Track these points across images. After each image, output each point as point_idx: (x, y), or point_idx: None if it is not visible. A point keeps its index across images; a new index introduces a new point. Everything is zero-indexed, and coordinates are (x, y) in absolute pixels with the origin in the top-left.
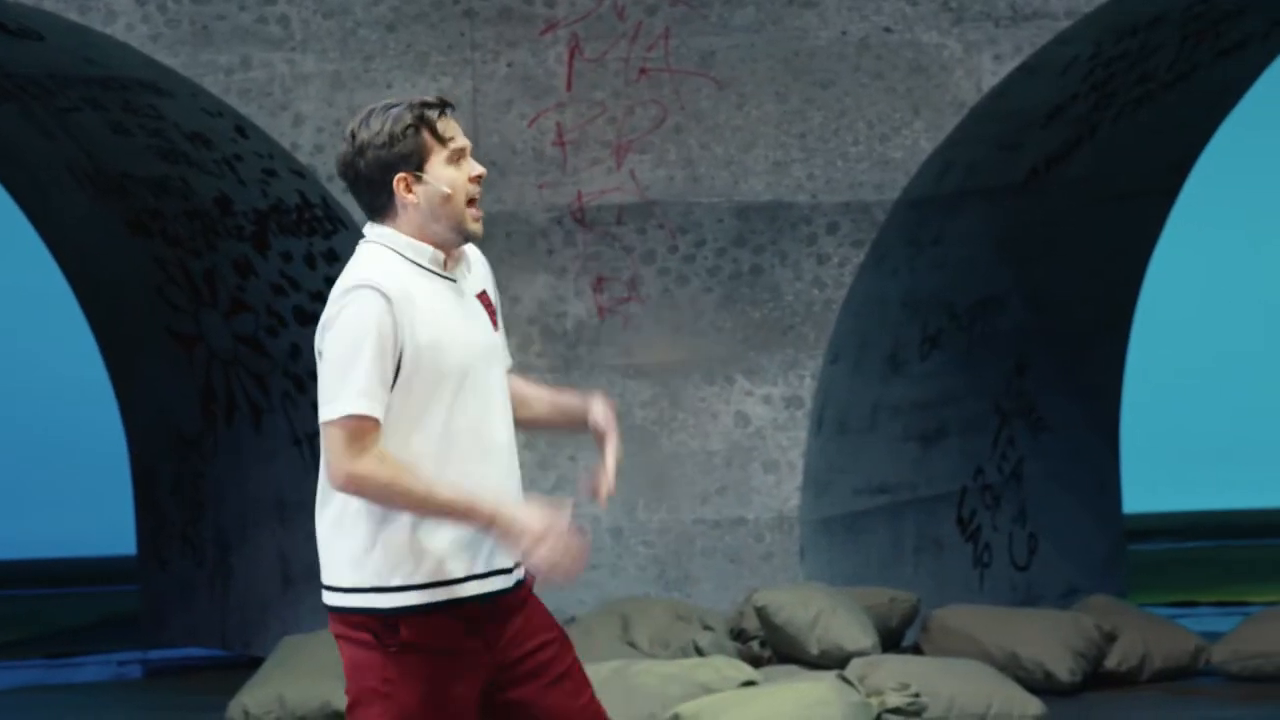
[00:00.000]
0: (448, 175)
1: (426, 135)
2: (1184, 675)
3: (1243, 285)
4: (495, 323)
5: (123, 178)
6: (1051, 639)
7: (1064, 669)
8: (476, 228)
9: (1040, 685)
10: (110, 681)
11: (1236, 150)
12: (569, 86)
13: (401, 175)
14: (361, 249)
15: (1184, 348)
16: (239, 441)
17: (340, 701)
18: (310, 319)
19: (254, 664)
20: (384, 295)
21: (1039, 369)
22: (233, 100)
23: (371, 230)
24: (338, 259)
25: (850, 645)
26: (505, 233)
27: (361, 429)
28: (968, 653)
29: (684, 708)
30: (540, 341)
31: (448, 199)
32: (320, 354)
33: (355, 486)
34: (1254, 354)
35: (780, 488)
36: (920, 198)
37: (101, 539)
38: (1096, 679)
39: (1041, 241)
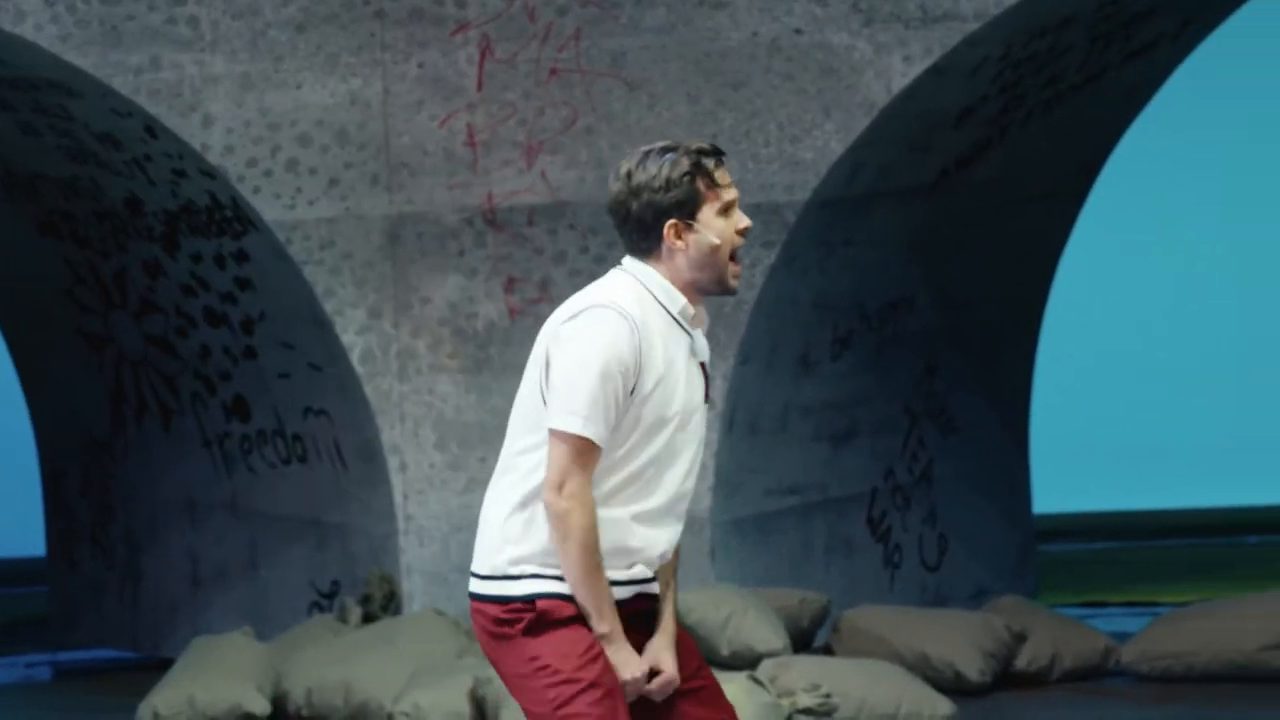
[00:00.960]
0: (718, 226)
1: (702, 184)
2: (1094, 675)
3: (1151, 287)
4: (708, 393)
5: (33, 179)
6: (961, 639)
7: (974, 669)
8: (735, 284)
9: (950, 685)
10: (19, 684)
11: (1146, 151)
12: (480, 87)
13: (673, 222)
14: (614, 274)
15: (1093, 349)
16: (149, 443)
17: (252, 703)
18: (220, 320)
19: (164, 665)
20: (627, 319)
21: (949, 370)
22: (142, 101)
23: (630, 263)
24: (248, 259)
25: (761, 646)
26: (416, 233)
27: (582, 451)
28: (878, 653)
29: None
30: (451, 342)
31: (715, 250)
32: (549, 363)
33: (554, 509)
34: (1163, 355)
35: None
36: (831, 199)
37: (10, 540)
38: (1006, 679)
39: (952, 242)
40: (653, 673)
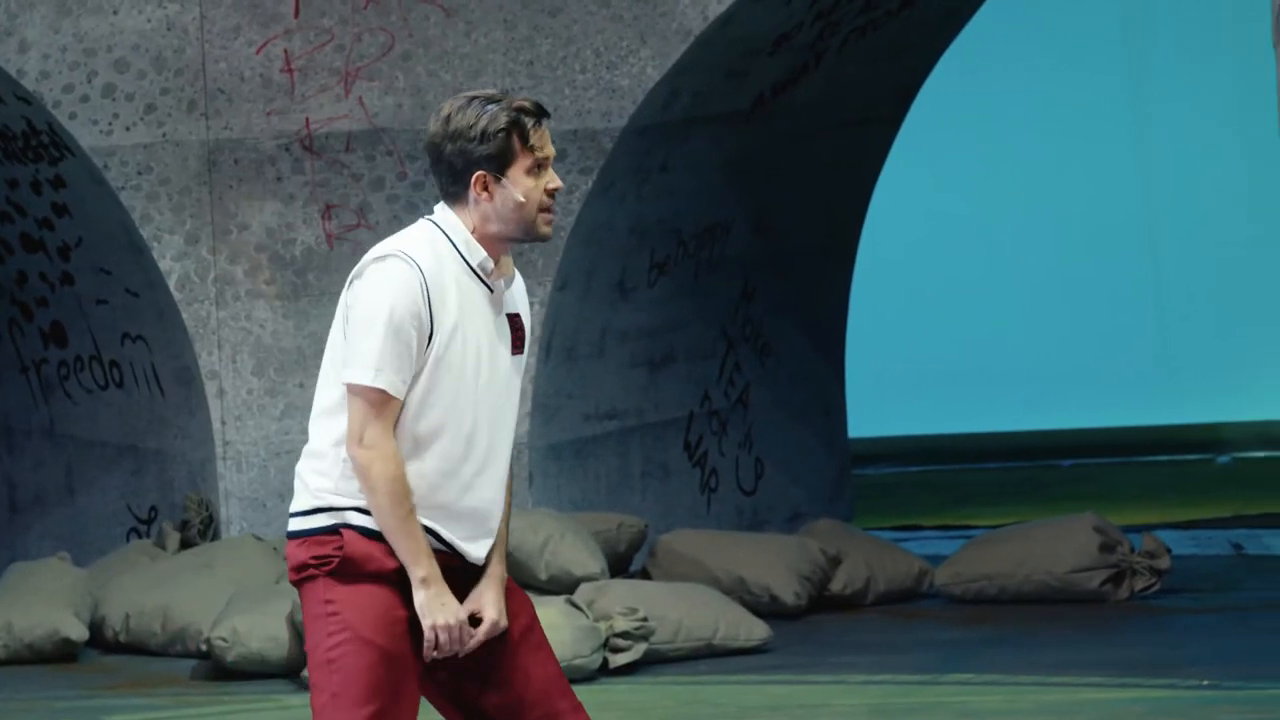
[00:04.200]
0: (525, 184)
1: (516, 141)
2: (908, 598)
3: (965, 213)
4: (520, 347)
5: None
6: (777, 563)
7: (789, 592)
8: (546, 230)
9: (766, 608)
10: None
11: (960, 78)
12: (296, 14)
13: (481, 174)
14: (419, 224)
15: (908, 275)
16: None
17: (69, 629)
18: (37, 245)
19: None
20: (413, 267)
21: (766, 295)
22: None
23: (439, 211)
24: (64, 185)
25: (579, 570)
26: (233, 159)
27: (377, 403)
28: (695, 577)
29: None
30: (269, 268)
31: (520, 207)
32: (348, 318)
33: (357, 462)
34: (976, 281)
35: None
36: (647, 125)
37: None
38: (822, 602)
39: (768, 168)
40: (474, 619)
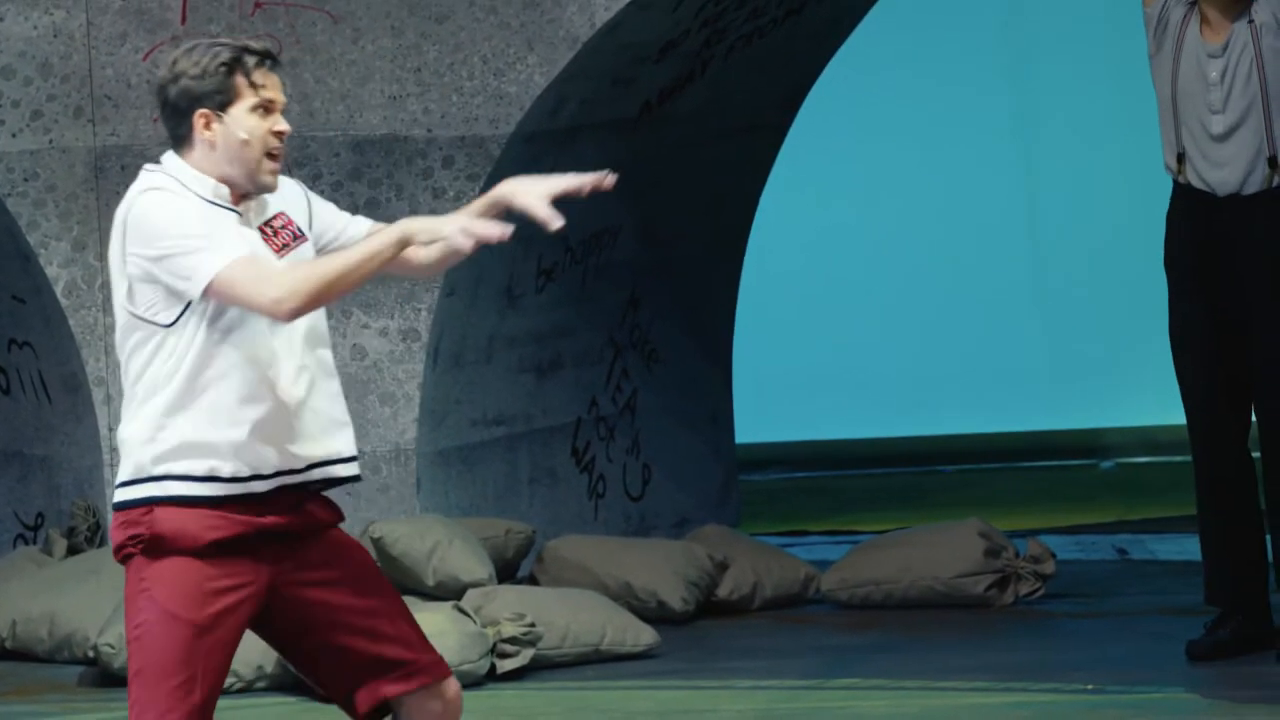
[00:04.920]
0: (249, 123)
1: (239, 78)
2: (795, 603)
3: (851, 220)
4: (279, 246)
5: None
6: (664, 568)
7: (677, 598)
8: (270, 180)
9: (653, 614)
10: None
11: (845, 87)
12: (184, 20)
13: (203, 111)
14: (141, 176)
15: (795, 281)
16: None
17: None
18: None
19: None
20: (197, 198)
21: (653, 302)
22: None
23: (166, 160)
24: None
25: (466, 576)
26: (120, 166)
27: (248, 262)
28: (582, 583)
29: None
30: None
31: (244, 145)
32: (149, 259)
33: (294, 304)
34: (862, 286)
35: (397, 420)
36: (535, 132)
37: None
38: (709, 607)
39: (655, 175)
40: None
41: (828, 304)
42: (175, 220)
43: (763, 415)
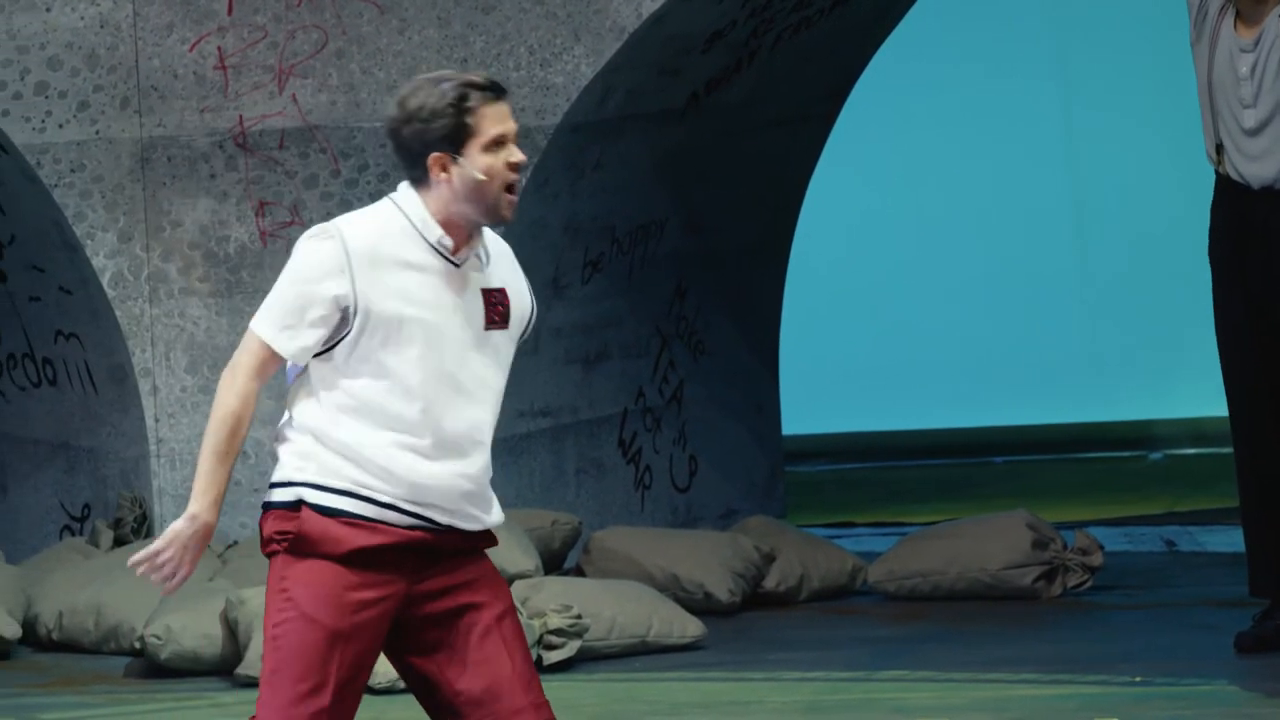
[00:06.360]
0: (483, 162)
1: (468, 118)
2: (841, 595)
3: (897, 212)
4: (498, 321)
5: None
6: (711, 560)
7: (723, 589)
8: (508, 213)
9: (700, 605)
10: None
11: (892, 78)
12: (230, 10)
13: (437, 155)
14: (379, 202)
15: (841, 271)
16: None
17: (2, 626)
18: None
19: None
20: (336, 240)
21: (699, 292)
22: None
23: (401, 191)
24: (2, 184)
25: (512, 568)
26: (166, 157)
27: (254, 350)
28: (629, 574)
29: None
30: (203, 266)
31: (481, 185)
32: None
33: (217, 390)
34: (909, 277)
35: None
36: (581, 123)
37: None
38: (755, 599)
39: (701, 166)
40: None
41: (875, 295)
42: (291, 272)
43: (809, 406)
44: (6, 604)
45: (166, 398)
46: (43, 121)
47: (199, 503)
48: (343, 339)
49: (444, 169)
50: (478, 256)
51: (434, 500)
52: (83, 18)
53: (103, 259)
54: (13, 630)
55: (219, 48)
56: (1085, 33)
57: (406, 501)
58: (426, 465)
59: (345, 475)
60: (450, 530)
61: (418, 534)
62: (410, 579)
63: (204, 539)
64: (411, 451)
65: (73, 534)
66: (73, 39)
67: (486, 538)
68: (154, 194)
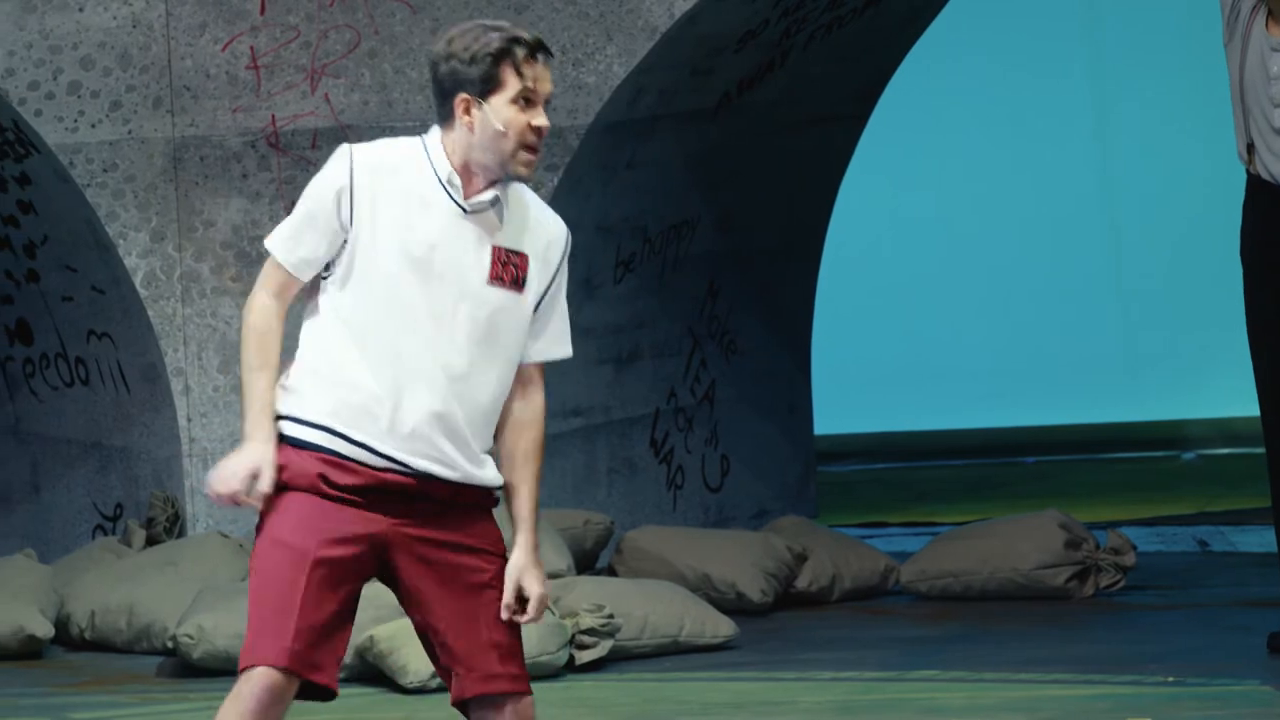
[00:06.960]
0: (506, 114)
1: (506, 68)
2: (873, 594)
3: (929, 211)
4: (506, 282)
5: None
6: (743, 560)
7: (755, 589)
8: (523, 170)
9: (732, 605)
10: None
11: (924, 77)
12: (262, 10)
13: (464, 96)
14: (409, 137)
15: (873, 271)
16: None
17: (35, 626)
18: (2, 243)
19: None
20: (350, 160)
21: (731, 292)
22: None
23: (431, 130)
24: (30, 182)
25: (545, 567)
26: (199, 156)
27: (274, 268)
28: (661, 574)
29: (379, 630)
30: (235, 265)
31: (499, 136)
32: None
33: (244, 313)
34: (940, 279)
35: None
36: (614, 123)
37: None
38: (787, 599)
39: (733, 166)
40: (520, 598)
41: (907, 295)
42: (304, 193)
43: (841, 406)
44: (39, 603)
45: (199, 397)
46: (75, 121)
47: (250, 421)
48: (340, 256)
49: (467, 111)
50: (496, 210)
51: (406, 443)
52: (115, 17)
53: (135, 259)
54: (45, 630)
55: (251, 47)
56: (1118, 33)
57: (378, 440)
58: (397, 399)
59: (321, 409)
60: (432, 478)
61: (392, 476)
62: (394, 522)
63: (259, 447)
64: (385, 385)
65: (105, 534)
66: (105, 39)
67: (483, 495)
68: (186, 194)
